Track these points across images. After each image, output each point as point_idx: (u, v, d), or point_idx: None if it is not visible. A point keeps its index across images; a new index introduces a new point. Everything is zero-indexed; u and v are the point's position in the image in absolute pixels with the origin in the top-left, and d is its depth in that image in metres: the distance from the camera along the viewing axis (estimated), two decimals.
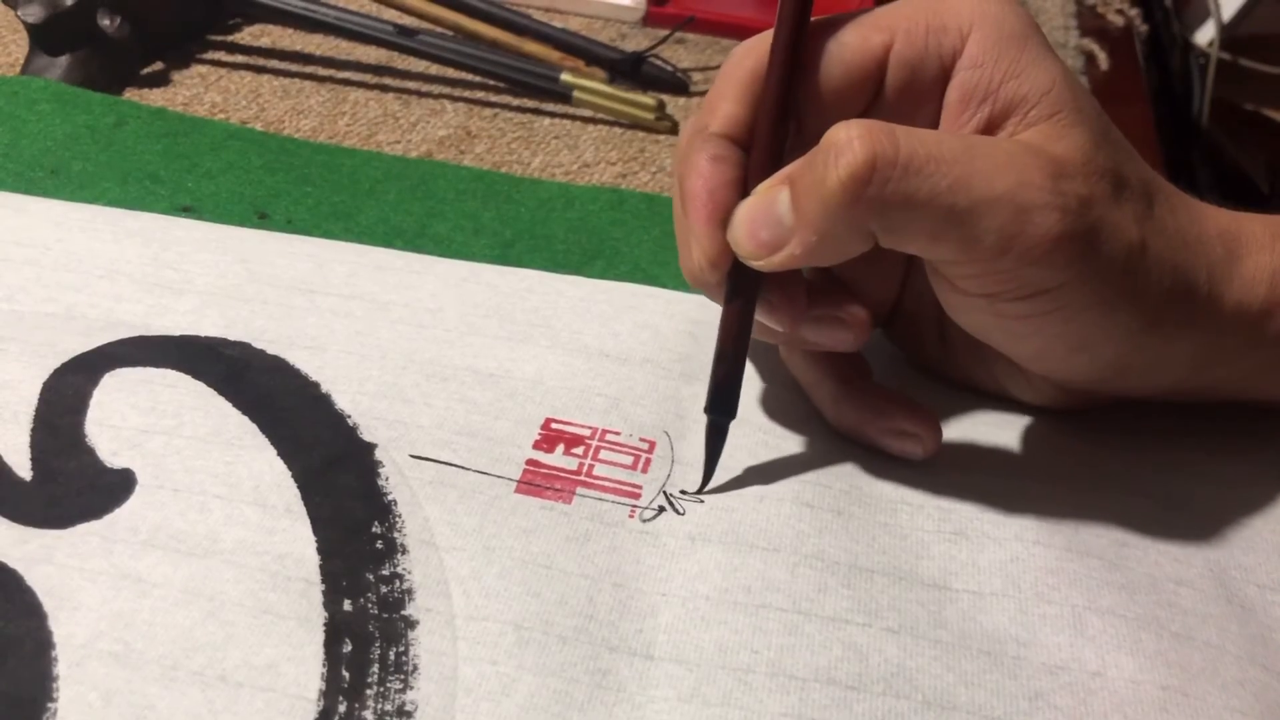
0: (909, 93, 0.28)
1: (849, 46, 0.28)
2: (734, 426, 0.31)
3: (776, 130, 0.28)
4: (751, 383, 0.33)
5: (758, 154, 0.28)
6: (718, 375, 0.29)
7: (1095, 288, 0.26)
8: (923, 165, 0.24)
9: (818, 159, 0.25)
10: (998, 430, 0.32)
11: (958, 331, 0.30)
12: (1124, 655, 0.25)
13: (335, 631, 0.25)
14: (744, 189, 0.28)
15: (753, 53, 0.28)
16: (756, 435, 0.31)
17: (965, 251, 0.25)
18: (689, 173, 0.28)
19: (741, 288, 0.28)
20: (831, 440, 0.31)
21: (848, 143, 0.25)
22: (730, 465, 0.30)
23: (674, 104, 0.51)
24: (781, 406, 0.32)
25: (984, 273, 0.26)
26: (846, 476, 0.30)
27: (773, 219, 0.26)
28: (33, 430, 0.29)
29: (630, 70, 0.52)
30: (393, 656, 0.24)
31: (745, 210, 0.27)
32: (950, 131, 0.27)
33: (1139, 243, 0.26)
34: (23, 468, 0.28)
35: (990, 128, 0.27)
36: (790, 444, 0.31)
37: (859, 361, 0.31)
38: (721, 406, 0.29)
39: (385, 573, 0.26)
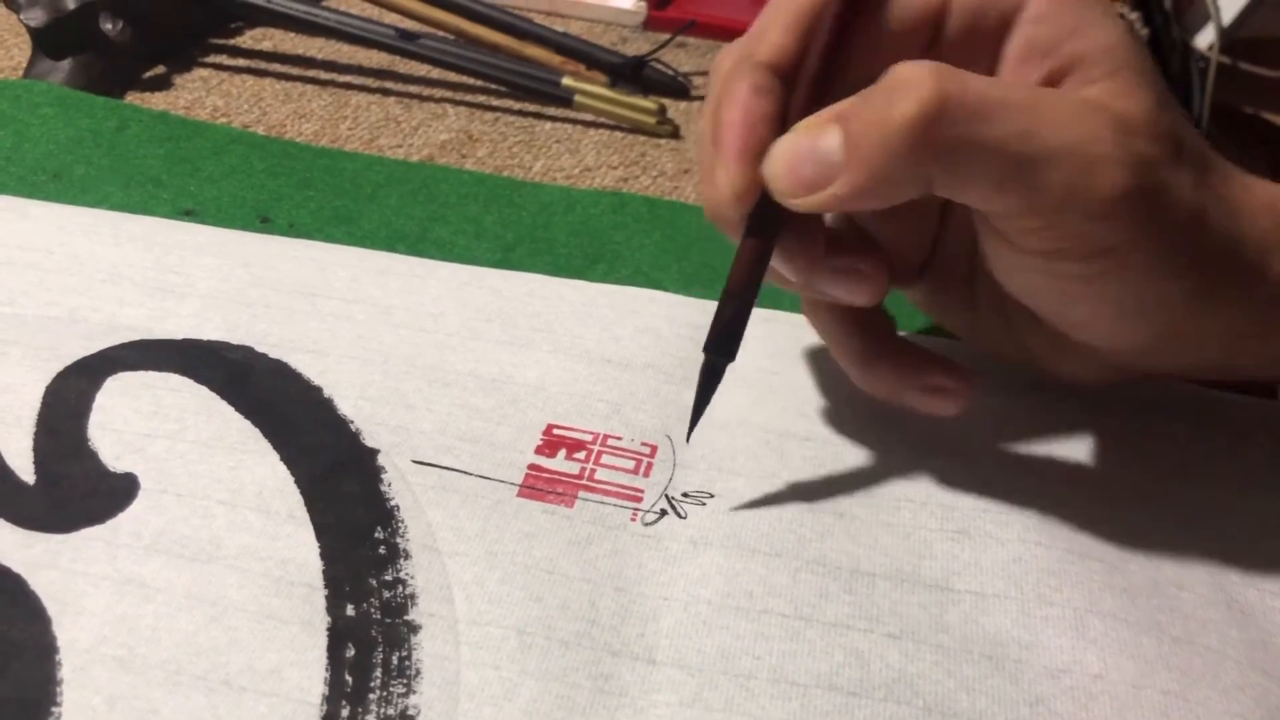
0: (967, 42, 0.27)
1: None
2: (736, 426, 0.31)
3: (828, 67, 0.26)
4: (753, 384, 0.33)
5: (804, 89, 0.27)
6: (724, 314, 0.28)
7: (1155, 249, 0.25)
8: (993, 110, 0.24)
9: (878, 96, 0.24)
10: (1005, 423, 0.32)
11: (988, 298, 0.29)
12: (1125, 659, 0.25)
13: (338, 636, 0.25)
14: (783, 126, 0.26)
15: None
16: (758, 434, 0.31)
17: (1029, 202, 0.24)
18: (728, 101, 0.26)
19: (761, 226, 0.27)
20: (834, 436, 0.31)
21: (917, 81, 0.24)
22: (731, 466, 0.30)
23: (675, 108, 0.51)
24: (782, 405, 0.32)
25: (1045, 226, 0.25)
26: (849, 473, 0.30)
27: (819, 155, 0.25)
28: (35, 434, 0.29)
29: (631, 74, 0.52)
30: (395, 661, 0.24)
31: (787, 145, 0.26)
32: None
33: (1198, 207, 0.26)
34: (26, 471, 0.28)
35: (1051, 83, 0.26)
36: (791, 443, 0.31)
37: (883, 318, 0.31)
38: (722, 347, 0.28)
39: (388, 578, 0.26)
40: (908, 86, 0.24)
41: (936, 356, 0.30)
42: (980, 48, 0.27)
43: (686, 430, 0.29)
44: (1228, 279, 0.27)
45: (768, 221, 0.27)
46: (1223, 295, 0.27)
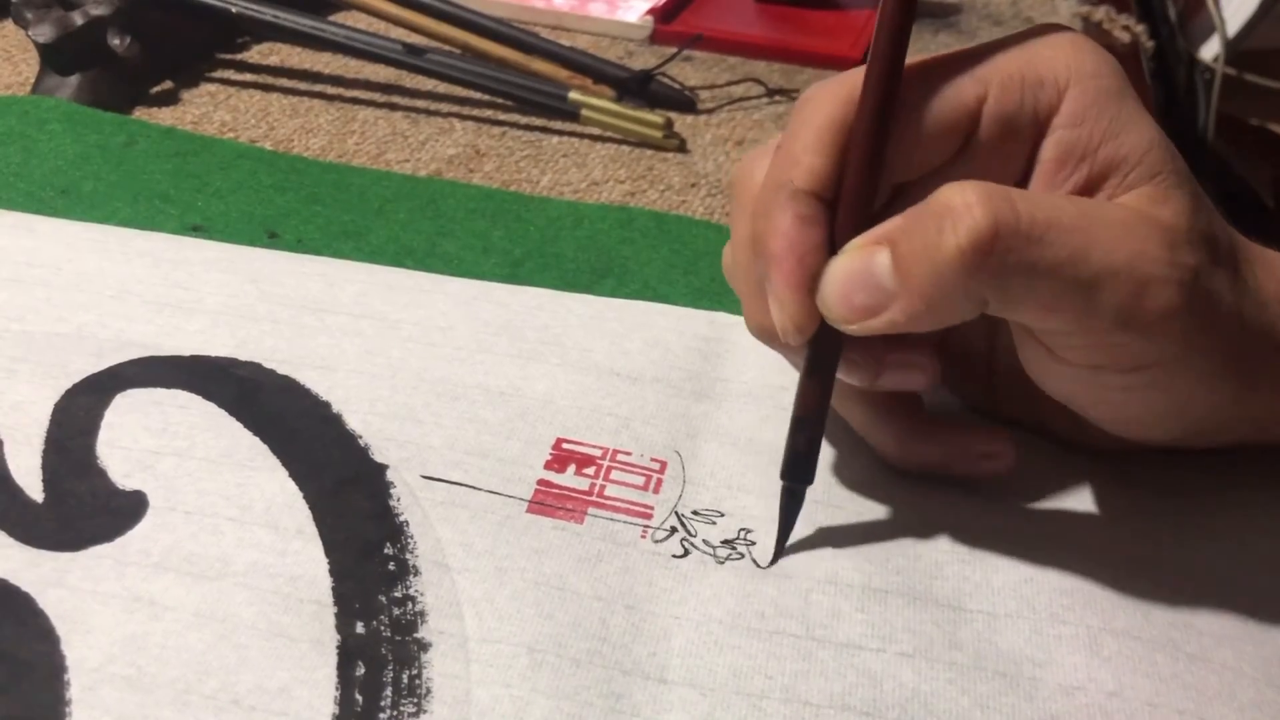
0: (1000, 147, 0.26)
1: (942, 98, 0.26)
2: (746, 443, 0.31)
3: (867, 186, 0.26)
4: (763, 401, 0.33)
5: (846, 210, 0.26)
6: (797, 442, 0.28)
7: (1202, 359, 0.25)
8: (1044, 233, 0.23)
9: (928, 223, 0.24)
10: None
11: (1006, 375, 0.29)
12: (1140, 677, 0.25)
13: (348, 654, 0.25)
14: (831, 248, 0.26)
15: (834, 99, 0.26)
16: (768, 451, 0.31)
17: (1080, 323, 0.24)
18: (772, 233, 0.26)
19: (824, 350, 0.27)
20: (845, 454, 0.31)
21: (966, 208, 0.23)
22: (741, 484, 0.30)
23: (682, 122, 0.51)
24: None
25: (1094, 344, 0.25)
26: (858, 491, 0.30)
27: (871, 283, 0.25)
28: (44, 452, 0.29)
29: (638, 88, 0.52)
30: (406, 680, 0.24)
31: (838, 272, 0.26)
32: (1047, 192, 0.26)
33: (1236, 309, 0.26)
34: (34, 489, 0.28)
35: (1088, 189, 0.26)
36: None
37: (914, 398, 0.30)
38: (799, 475, 0.28)
39: (398, 595, 0.26)
40: (958, 214, 0.24)
41: (971, 425, 0.30)
42: (1014, 150, 0.27)
43: (772, 554, 0.28)
44: (1264, 371, 0.27)
45: (828, 344, 0.27)
46: (1260, 388, 0.27)
